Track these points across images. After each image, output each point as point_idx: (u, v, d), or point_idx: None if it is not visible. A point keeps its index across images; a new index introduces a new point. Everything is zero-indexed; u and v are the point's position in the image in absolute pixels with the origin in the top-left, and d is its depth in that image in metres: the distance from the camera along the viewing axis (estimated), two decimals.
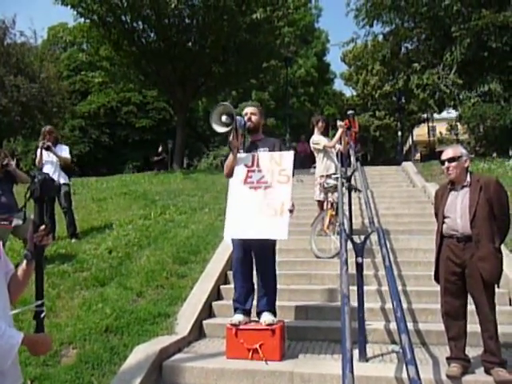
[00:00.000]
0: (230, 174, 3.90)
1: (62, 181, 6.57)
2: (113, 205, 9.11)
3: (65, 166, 6.71)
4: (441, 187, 3.58)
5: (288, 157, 3.82)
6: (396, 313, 2.60)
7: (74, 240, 6.51)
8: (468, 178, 3.29)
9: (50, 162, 6.60)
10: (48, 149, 6.52)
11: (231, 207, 3.76)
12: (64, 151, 6.77)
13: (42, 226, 2.10)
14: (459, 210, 3.23)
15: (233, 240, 3.87)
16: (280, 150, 3.98)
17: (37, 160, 6.61)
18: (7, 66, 17.69)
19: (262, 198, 3.69)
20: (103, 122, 27.92)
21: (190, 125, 25.20)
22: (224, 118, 3.73)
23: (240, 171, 3.83)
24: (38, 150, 6.63)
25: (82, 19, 15.61)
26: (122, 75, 17.12)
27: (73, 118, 26.17)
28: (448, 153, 3.32)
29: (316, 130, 6.94)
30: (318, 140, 6.83)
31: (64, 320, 4.32)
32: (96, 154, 27.19)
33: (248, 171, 3.82)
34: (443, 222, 3.30)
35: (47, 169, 6.49)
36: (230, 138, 3.80)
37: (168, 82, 16.49)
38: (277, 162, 3.79)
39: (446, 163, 3.29)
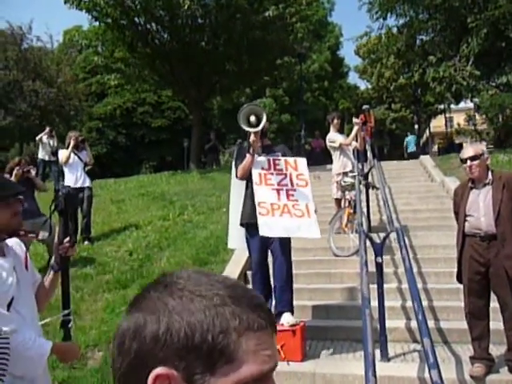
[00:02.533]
0: (246, 176, 3.91)
1: (86, 184, 6.75)
2: (131, 206, 9.23)
3: (90, 170, 6.90)
4: (460, 185, 3.55)
5: (302, 162, 3.98)
6: (417, 315, 2.60)
7: (86, 243, 6.62)
8: (489, 176, 3.25)
9: (76, 163, 6.76)
10: (83, 142, 6.89)
11: (260, 208, 3.69)
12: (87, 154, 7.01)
13: (67, 238, 2.16)
14: (482, 208, 3.19)
15: (251, 243, 3.89)
16: (290, 155, 4.10)
17: (64, 156, 6.70)
18: (25, 71, 18.04)
19: (285, 199, 3.75)
20: (119, 123, 28.20)
21: (205, 123, 25.29)
22: (253, 118, 3.76)
23: (258, 173, 3.84)
24: (62, 152, 6.81)
25: (97, 22, 15.80)
26: (138, 76, 17.28)
27: (90, 120, 26.54)
28: (469, 151, 3.27)
29: (332, 128, 6.92)
30: (333, 138, 6.81)
31: (88, 323, 4.43)
32: (113, 155, 27.51)
33: (266, 174, 3.85)
34: (465, 221, 3.27)
35: (72, 170, 6.68)
36: (252, 138, 3.80)
37: (182, 82, 16.58)
38: (292, 167, 3.91)
39: (469, 162, 3.24)
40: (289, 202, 3.73)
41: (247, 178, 3.93)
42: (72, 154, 6.70)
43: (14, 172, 5.27)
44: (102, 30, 16.11)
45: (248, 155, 3.85)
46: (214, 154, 18.01)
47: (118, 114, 28.11)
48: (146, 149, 28.29)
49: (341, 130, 7.33)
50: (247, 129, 3.78)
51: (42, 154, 11.73)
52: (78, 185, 6.65)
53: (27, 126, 17.98)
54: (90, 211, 6.89)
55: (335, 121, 6.88)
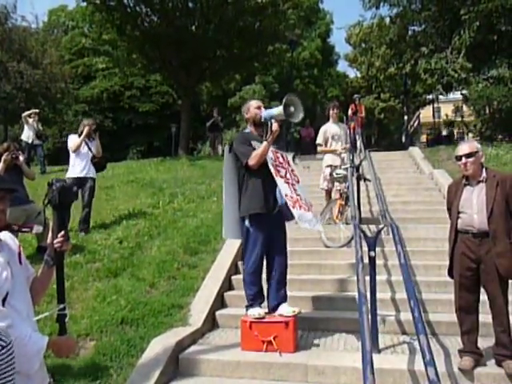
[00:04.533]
0: (260, 163, 3.74)
1: (90, 175, 6.57)
2: (120, 193, 9.15)
3: (96, 162, 6.68)
4: (454, 182, 3.58)
5: (291, 159, 4.11)
6: (413, 312, 2.62)
7: (82, 234, 6.41)
8: (484, 174, 3.29)
9: (85, 152, 6.57)
10: (96, 132, 6.67)
11: (288, 200, 3.66)
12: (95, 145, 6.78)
13: (61, 233, 2.13)
14: (475, 205, 3.23)
15: (256, 236, 3.77)
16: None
17: (75, 145, 6.49)
18: (10, 51, 17.61)
19: (294, 192, 3.78)
20: (106, 107, 27.79)
21: (194, 108, 25.07)
22: (292, 109, 3.71)
23: (270, 164, 3.79)
24: (73, 139, 6.58)
25: (84, 3, 15.45)
26: (126, 60, 16.99)
27: (76, 103, 26.08)
28: (464, 148, 3.30)
29: (331, 119, 6.99)
30: (320, 137, 6.96)
31: (79, 312, 4.39)
32: (100, 139, 27.08)
33: (275, 165, 3.83)
34: (458, 218, 3.31)
35: (80, 158, 6.50)
36: (276, 127, 3.69)
37: (172, 67, 16.37)
38: (287, 162, 3.95)
39: (464, 159, 3.27)
40: (296, 196, 3.77)
41: (260, 165, 3.77)
42: (83, 143, 6.54)
43: (3, 158, 5.16)
44: (90, 11, 15.76)
45: (265, 143, 3.71)
46: (216, 132, 16.20)
47: (105, 98, 27.68)
48: (133, 133, 27.96)
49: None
50: (288, 118, 3.72)
51: (26, 137, 11.46)
52: (83, 175, 6.48)
53: (12, 108, 17.59)
54: (91, 202, 6.68)
55: (331, 111, 6.94)
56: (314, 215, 3.92)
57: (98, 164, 6.78)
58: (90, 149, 6.62)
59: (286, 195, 3.67)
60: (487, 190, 3.20)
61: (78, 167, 6.50)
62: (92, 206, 6.74)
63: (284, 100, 3.65)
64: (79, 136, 6.57)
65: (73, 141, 6.61)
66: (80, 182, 6.41)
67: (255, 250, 3.78)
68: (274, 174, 3.72)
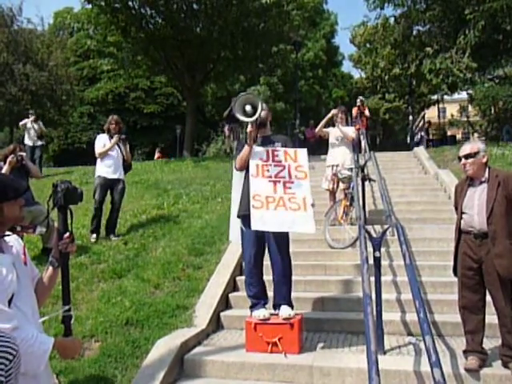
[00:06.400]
0: (244, 167, 3.84)
1: (121, 177, 6.53)
2: (125, 194, 9.15)
3: (126, 164, 6.64)
4: (460, 182, 3.57)
5: (303, 153, 3.91)
6: (419, 313, 2.61)
7: (117, 238, 6.31)
8: (486, 174, 3.27)
9: (117, 154, 6.49)
10: (125, 140, 6.58)
11: (254, 201, 3.63)
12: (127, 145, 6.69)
13: (67, 234, 2.14)
14: (476, 206, 3.22)
15: (247, 236, 3.79)
16: (291, 146, 4.04)
17: (101, 150, 6.38)
18: (16, 54, 17.72)
19: (282, 192, 3.71)
20: (111, 108, 27.80)
21: (199, 110, 25.08)
22: (248, 108, 3.68)
23: (255, 165, 3.79)
24: (105, 140, 6.46)
25: (89, 5, 15.51)
26: (131, 62, 17.05)
27: (81, 105, 26.19)
28: (465, 149, 3.30)
29: (338, 124, 7.03)
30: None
31: (84, 313, 4.40)
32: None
33: (264, 165, 3.80)
34: (461, 218, 3.30)
35: (114, 160, 6.42)
36: (249, 128, 3.71)
37: (177, 69, 16.41)
38: (292, 158, 3.85)
39: (463, 160, 3.27)
40: (285, 194, 3.67)
41: (246, 169, 3.86)
42: (115, 146, 6.45)
43: (9, 159, 5.17)
44: (95, 13, 15.83)
45: (246, 146, 3.78)
46: (234, 123, 13.80)
47: (110, 99, 27.78)
48: (139, 135, 28.00)
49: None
50: (242, 118, 3.72)
51: (27, 140, 11.61)
52: (116, 176, 6.42)
53: (18, 110, 17.70)
54: (121, 206, 6.64)
55: (338, 116, 6.99)
56: (309, 215, 3.67)
57: (127, 165, 6.73)
58: (121, 150, 6.53)
59: (253, 196, 3.61)
60: (488, 190, 3.19)
61: (110, 168, 6.40)
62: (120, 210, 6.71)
63: (232, 103, 3.63)
64: (109, 136, 6.46)
65: (100, 144, 6.46)
66: (111, 182, 6.41)
67: (248, 251, 3.81)
68: (254, 175, 3.71)
